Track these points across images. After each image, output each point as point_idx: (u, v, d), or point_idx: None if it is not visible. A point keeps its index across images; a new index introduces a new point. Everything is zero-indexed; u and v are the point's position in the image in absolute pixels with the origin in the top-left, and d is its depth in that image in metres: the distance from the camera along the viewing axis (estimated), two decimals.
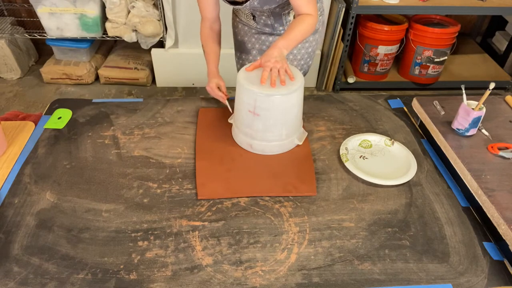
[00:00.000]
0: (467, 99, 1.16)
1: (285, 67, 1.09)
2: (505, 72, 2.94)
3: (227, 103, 1.33)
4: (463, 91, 1.18)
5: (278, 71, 1.08)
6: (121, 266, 0.87)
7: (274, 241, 0.94)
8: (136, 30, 2.60)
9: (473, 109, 1.12)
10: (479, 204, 0.99)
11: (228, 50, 2.75)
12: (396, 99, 1.46)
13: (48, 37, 2.61)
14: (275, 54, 1.11)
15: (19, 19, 2.93)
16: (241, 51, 1.56)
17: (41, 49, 3.06)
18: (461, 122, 1.15)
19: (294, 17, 1.39)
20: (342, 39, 2.57)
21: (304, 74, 1.60)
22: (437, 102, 1.30)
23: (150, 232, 0.95)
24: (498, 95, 1.36)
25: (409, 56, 2.72)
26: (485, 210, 0.97)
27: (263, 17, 1.38)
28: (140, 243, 0.92)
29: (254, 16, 1.40)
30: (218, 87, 1.32)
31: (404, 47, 2.73)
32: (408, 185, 1.10)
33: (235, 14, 1.53)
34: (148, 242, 0.92)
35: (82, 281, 0.84)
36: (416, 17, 2.66)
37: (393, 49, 2.66)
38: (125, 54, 2.89)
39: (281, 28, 1.41)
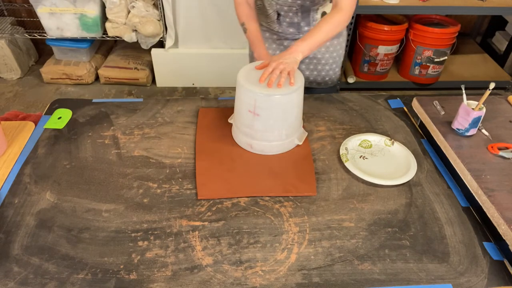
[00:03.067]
0: (467, 99, 1.16)
1: (289, 70, 1.08)
2: (505, 72, 2.94)
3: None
4: (463, 91, 1.18)
5: (281, 72, 1.07)
6: (121, 266, 0.87)
7: (274, 241, 0.94)
8: (136, 30, 2.60)
9: (473, 109, 1.12)
10: (479, 204, 0.99)
11: (227, 50, 2.76)
12: (396, 99, 1.46)
13: (48, 37, 2.62)
14: (286, 57, 1.10)
15: (19, 19, 2.93)
16: None
17: (41, 49, 3.07)
18: (461, 122, 1.15)
19: (321, 16, 1.36)
20: None
21: (332, 82, 1.56)
22: (437, 102, 1.31)
23: (150, 232, 0.95)
24: (498, 95, 1.36)
25: (409, 56, 2.72)
26: (485, 210, 0.97)
27: (290, 14, 1.34)
28: (140, 243, 0.92)
29: (279, 15, 1.36)
30: None
31: (404, 47, 2.73)
32: (408, 185, 1.10)
33: None
34: (148, 242, 0.92)
35: (82, 281, 0.84)
36: (416, 17, 2.66)
37: (393, 49, 2.66)
38: (125, 54, 2.89)
39: (306, 28, 1.38)
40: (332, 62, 1.50)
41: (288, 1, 1.30)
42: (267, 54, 1.30)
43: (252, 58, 1.59)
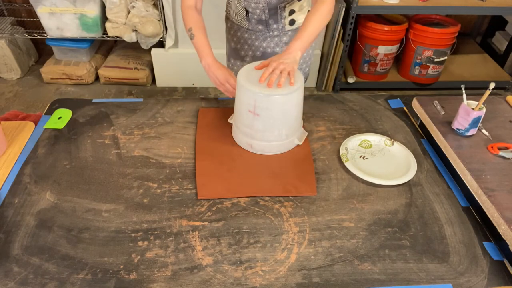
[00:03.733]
0: (467, 99, 1.16)
1: (289, 70, 1.08)
2: (505, 72, 2.94)
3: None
4: (463, 91, 1.18)
5: (281, 72, 1.07)
6: (121, 266, 0.87)
7: (274, 241, 0.94)
8: (136, 30, 2.60)
9: (473, 109, 1.12)
10: (479, 204, 0.99)
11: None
12: (396, 99, 1.46)
13: (48, 37, 2.62)
14: (285, 57, 1.10)
15: (19, 19, 2.93)
16: (235, 58, 1.54)
17: (41, 49, 3.07)
18: (461, 122, 1.15)
19: (288, 13, 1.36)
20: (342, 39, 2.57)
21: (306, 76, 1.57)
22: (437, 102, 1.31)
23: (150, 232, 0.95)
24: (498, 95, 1.36)
25: (409, 56, 2.72)
26: (485, 210, 0.97)
27: (257, 11, 1.34)
28: (140, 243, 0.92)
29: (247, 12, 1.36)
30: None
31: (404, 47, 2.73)
32: (408, 185, 1.10)
33: (227, 17, 1.50)
34: (148, 242, 0.92)
35: (82, 281, 0.84)
36: (416, 17, 2.66)
37: (393, 49, 2.66)
38: (125, 54, 2.89)
39: (275, 25, 1.38)
40: (302, 62, 1.50)
41: None
42: (215, 62, 1.26)
43: (230, 58, 1.58)
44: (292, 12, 1.36)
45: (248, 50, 1.48)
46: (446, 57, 2.66)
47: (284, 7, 1.34)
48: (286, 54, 1.12)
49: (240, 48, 1.49)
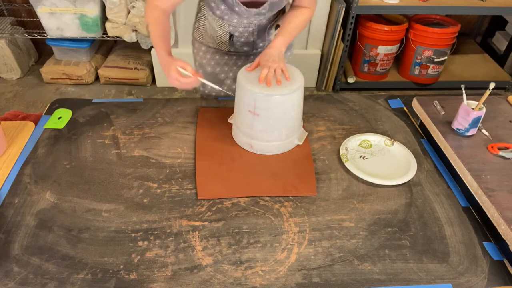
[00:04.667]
0: (467, 99, 1.16)
1: (282, 66, 1.09)
2: (505, 72, 2.94)
3: (204, 81, 1.15)
4: (463, 91, 1.18)
5: (275, 70, 1.08)
6: (121, 266, 0.87)
7: (274, 241, 0.94)
8: (136, 30, 2.60)
9: (473, 109, 1.12)
10: (479, 204, 0.99)
11: None
12: (396, 99, 1.46)
13: (48, 37, 2.62)
14: (274, 54, 1.10)
15: (19, 19, 2.93)
16: (214, 82, 1.39)
17: (41, 49, 3.07)
18: (461, 122, 1.15)
19: (275, 29, 1.33)
20: (342, 39, 2.57)
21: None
22: (437, 102, 1.31)
23: (150, 232, 0.95)
24: (498, 95, 1.36)
25: (409, 56, 2.72)
26: (485, 210, 0.97)
27: (246, 34, 1.28)
28: (140, 243, 0.92)
29: (231, 36, 1.29)
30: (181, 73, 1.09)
31: (404, 47, 2.73)
32: (408, 185, 1.10)
33: (199, 41, 1.40)
34: (148, 242, 0.92)
35: (82, 281, 0.84)
36: (416, 17, 2.66)
37: (393, 49, 2.66)
38: (125, 54, 2.89)
39: (261, 44, 1.35)
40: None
41: (243, 22, 1.25)
42: (167, 57, 1.11)
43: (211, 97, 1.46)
44: (278, 27, 1.31)
45: (229, 72, 1.41)
46: (446, 57, 2.66)
47: (272, 26, 1.31)
48: (270, 48, 1.12)
49: (220, 72, 1.42)
